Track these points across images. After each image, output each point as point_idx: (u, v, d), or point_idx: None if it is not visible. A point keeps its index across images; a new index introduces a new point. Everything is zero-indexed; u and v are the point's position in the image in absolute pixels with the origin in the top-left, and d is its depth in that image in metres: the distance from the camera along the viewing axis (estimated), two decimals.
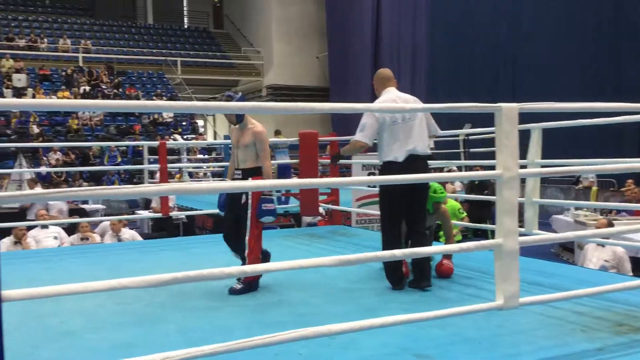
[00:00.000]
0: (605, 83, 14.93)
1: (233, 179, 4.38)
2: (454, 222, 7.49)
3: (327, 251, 5.97)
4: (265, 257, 4.45)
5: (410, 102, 4.25)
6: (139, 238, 8.06)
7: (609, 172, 6.64)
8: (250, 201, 4.23)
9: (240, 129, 4.37)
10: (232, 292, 4.20)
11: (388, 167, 4.21)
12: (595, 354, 2.96)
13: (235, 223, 4.34)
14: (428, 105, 2.88)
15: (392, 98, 4.25)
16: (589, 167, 4.63)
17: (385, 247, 4.16)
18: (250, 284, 4.24)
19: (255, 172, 4.30)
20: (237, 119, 4.36)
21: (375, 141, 4.36)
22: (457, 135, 11.24)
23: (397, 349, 3.02)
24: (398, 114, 4.06)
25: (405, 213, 4.28)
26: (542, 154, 5.08)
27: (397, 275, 4.25)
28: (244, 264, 4.27)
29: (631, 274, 6.39)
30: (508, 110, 2.73)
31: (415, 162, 4.16)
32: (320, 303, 3.97)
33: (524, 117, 3.23)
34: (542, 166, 5.09)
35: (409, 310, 2.92)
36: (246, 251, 4.23)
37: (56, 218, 8.79)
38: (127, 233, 7.89)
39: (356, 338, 3.06)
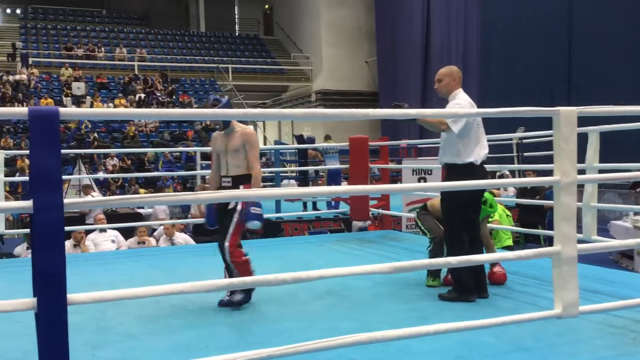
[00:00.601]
0: None
1: (220, 188, 4.15)
2: (505, 226, 7.36)
3: (378, 256, 5.96)
4: None
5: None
6: (192, 242, 8.21)
7: None
8: (239, 206, 3.99)
9: (226, 134, 4.15)
10: (227, 304, 3.99)
11: (470, 169, 4.01)
12: None
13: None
14: (488, 110, 2.82)
15: (469, 101, 4.11)
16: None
17: (457, 253, 3.83)
18: (248, 292, 4.03)
19: (247, 179, 4.06)
20: (224, 124, 4.16)
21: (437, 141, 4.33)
22: (511, 139, 11.04)
23: (450, 357, 2.98)
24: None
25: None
26: (601, 157, 4.94)
27: (476, 283, 4.14)
28: (228, 271, 4.06)
29: None
30: (567, 114, 2.67)
31: (484, 167, 4.12)
32: (372, 308, 3.96)
33: (581, 120, 3.16)
34: (601, 170, 4.95)
35: (463, 318, 2.89)
36: (228, 257, 4.00)
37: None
38: (180, 237, 8.05)
39: (410, 345, 3.04)
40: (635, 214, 9.50)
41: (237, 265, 3.97)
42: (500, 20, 18.44)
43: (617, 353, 3.00)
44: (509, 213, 7.94)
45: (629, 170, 4.83)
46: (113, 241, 7.72)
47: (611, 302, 3.18)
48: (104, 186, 15.46)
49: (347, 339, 2.27)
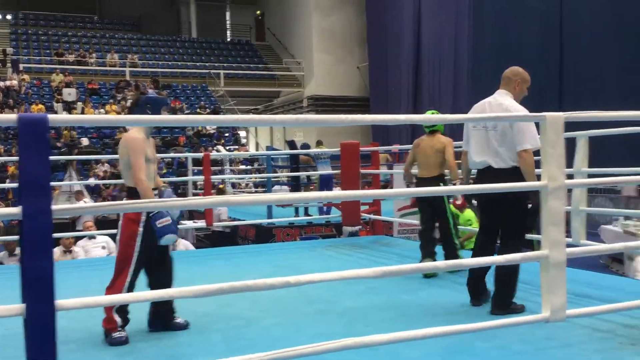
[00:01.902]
0: None
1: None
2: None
3: (368, 261, 5.97)
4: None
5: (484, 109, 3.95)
6: (192, 248, 8.20)
7: None
8: (140, 227, 3.42)
9: (148, 139, 3.63)
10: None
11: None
12: None
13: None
14: (476, 115, 2.84)
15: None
16: (633, 178, 4.51)
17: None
18: (110, 331, 3.42)
19: (134, 193, 3.47)
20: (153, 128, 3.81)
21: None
22: None
23: None
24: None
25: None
26: (592, 162, 4.96)
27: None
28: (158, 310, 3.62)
29: None
30: (553, 119, 2.70)
31: None
32: (362, 313, 3.97)
33: (570, 125, 3.18)
34: (590, 175, 4.98)
35: (452, 322, 2.90)
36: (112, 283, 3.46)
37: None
38: (181, 244, 8.01)
39: (399, 350, 3.05)
40: (626, 218, 9.57)
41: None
42: (491, 25, 18.53)
43: (605, 357, 3.02)
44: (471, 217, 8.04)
45: (618, 175, 4.85)
46: (104, 247, 7.68)
47: (598, 306, 3.20)
48: (96, 192, 15.40)
49: (334, 344, 2.28)
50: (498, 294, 3.82)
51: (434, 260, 5.07)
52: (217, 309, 4.04)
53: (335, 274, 2.47)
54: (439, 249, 5.35)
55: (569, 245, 2.98)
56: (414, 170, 5.53)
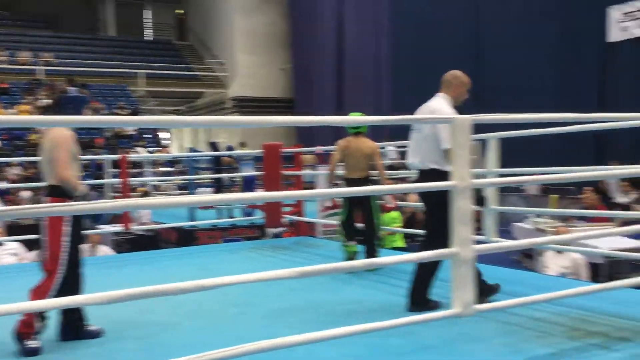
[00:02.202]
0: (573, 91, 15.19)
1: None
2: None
3: (290, 262, 5.98)
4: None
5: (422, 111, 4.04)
6: (112, 253, 7.93)
7: (555, 181, 6.84)
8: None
9: None
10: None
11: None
12: (550, 359, 3.05)
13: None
14: (387, 117, 2.92)
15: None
16: (532, 178, 4.74)
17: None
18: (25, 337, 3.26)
19: (56, 191, 3.38)
20: None
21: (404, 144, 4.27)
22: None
23: None
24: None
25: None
26: (508, 162, 5.18)
27: None
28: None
29: (589, 280, 6.54)
30: (460, 122, 2.81)
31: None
32: (284, 314, 3.98)
33: (483, 127, 3.31)
34: (501, 175, 5.20)
35: (371, 320, 2.97)
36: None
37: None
38: (100, 250, 7.72)
39: (314, 350, 3.06)
40: (537, 216, 10.03)
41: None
42: (410, 31, 19.02)
43: (513, 350, 3.17)
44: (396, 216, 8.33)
45: (524, 175, 5.09)
46: (15, 254, 7.34)
47: (507, 301, 3.35)
48: (6, 195, 14.66)
49: (249, 347, 2.28)
50: (414, 291, 3.93)
51: (356, 243, 5.39)
52: (135, 315, 3.95)
53: (251, 275, 2.48)
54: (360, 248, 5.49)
55: (481, 243, 3.11)
56: (340, 172, 5.60)
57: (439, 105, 3.92)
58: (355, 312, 4.00)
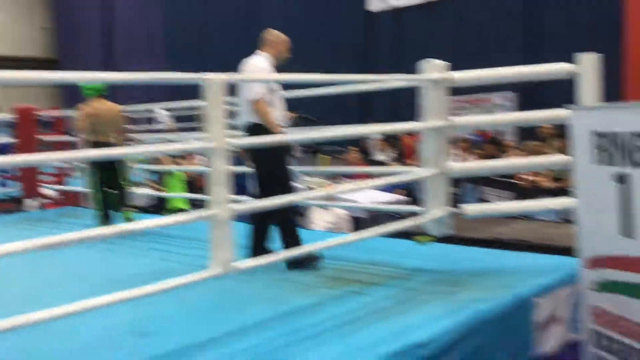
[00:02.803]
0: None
1: None
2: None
3: (45, 234, 5.50)
4: None
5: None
6: None
7: (321, 140, 7.30)
8: None
9: None
10: None
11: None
12: (312, 308, 3.24)
13: None
14: (135, 74, 2.79)
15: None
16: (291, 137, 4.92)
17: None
18: None
19: None
20: None
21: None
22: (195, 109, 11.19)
23: (122, 330, 2.94)
24: None
25: None
26: None
27: None
28: None
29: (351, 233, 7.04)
30: (212, 81, 2.78)
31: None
32: (39, 290, 3.68)
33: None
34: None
35: (133, 287, 2.83)
36: None
37: None
38: None
39: (76, 325, 2.84)
40: (306, 175, 10.53)
41: None
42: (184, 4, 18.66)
43: (279, 302, 3.32)
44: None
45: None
46: None
47: (267, 257, 3.46)
48: None
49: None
50: (255, 248, 4.09)
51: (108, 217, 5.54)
52: None
53: None
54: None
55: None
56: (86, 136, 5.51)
57: (256, 62, 4.02)
58: (116, 280, 3.83)
